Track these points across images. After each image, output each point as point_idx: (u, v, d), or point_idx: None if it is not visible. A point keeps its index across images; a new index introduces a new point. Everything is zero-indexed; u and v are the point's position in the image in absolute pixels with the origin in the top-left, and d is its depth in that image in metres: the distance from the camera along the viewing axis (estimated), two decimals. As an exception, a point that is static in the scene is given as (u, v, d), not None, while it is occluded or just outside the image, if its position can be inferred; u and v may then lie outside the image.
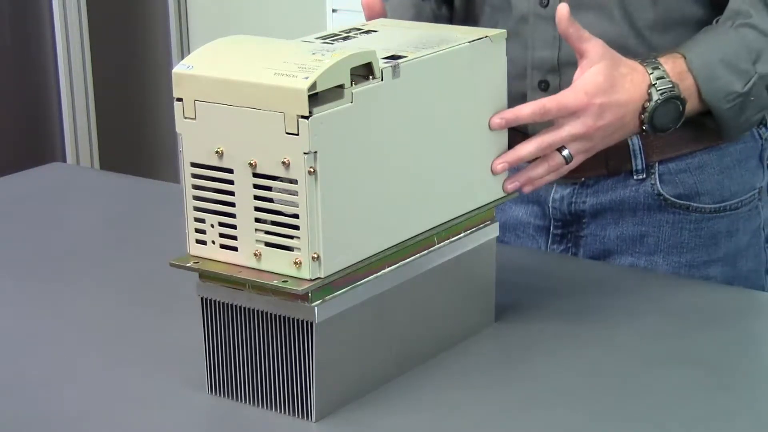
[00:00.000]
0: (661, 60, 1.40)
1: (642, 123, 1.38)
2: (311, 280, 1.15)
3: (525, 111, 1.32)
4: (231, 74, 1.15)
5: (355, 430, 1.18)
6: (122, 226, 1.75)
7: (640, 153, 1.52)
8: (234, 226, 1.17)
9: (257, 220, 1.16)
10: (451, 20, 1.62)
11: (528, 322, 1.37)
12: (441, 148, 1.27)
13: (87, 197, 1.92)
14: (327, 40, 1.27)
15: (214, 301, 1.21)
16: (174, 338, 1.35)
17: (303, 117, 1.11)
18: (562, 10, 1.33)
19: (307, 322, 1.16)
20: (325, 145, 1.13)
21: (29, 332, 1.40)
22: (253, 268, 1.17)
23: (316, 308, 1.15)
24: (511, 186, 1.34)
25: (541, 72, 1.51)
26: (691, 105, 1.41)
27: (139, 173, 2.53)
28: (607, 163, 1.51)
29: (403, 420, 1.19)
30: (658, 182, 1.52)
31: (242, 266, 1.18)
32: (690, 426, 1.17)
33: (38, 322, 1.43)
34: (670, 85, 1.38)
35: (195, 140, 1.18)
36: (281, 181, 1.14)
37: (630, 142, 1.50)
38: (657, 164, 1.52)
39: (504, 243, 1.58)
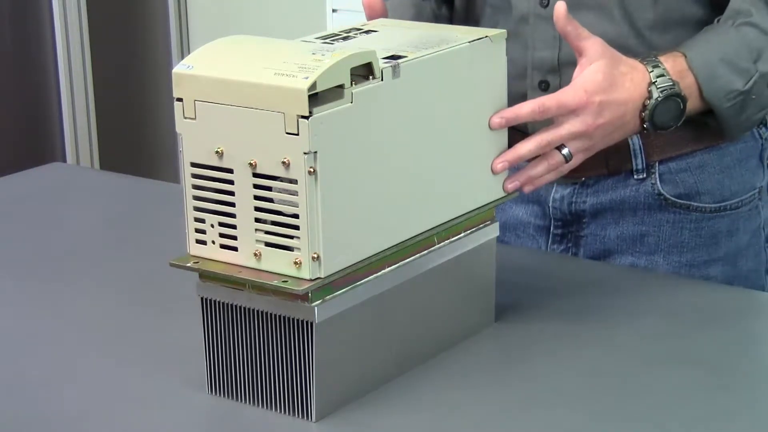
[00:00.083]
0: (662, 58, 1.40)
1: (643, 121, 1.38)
2: (311, 280, 1.15)
3: (524, 110, 1.32)
4: (231, 74, 1.15)
5: (355, 430, 1.18)
6: (122, 226, 1.75)
7: (641, 152, 1.52)
8: (234, 226, 1.17)
9: (257, 220, 1.16)
10: (451, 20, 1.62)
11: (528, 322, 1.37)
12: (441, 148, 1.27)
13: (87, 197, 1.92)
14: (327, 40, 1.27)
15: (214, 301, 1.21)
16: (174, 338, 1.35)
17: (303, 117, 1.11)
18: (560, 8, 1.33)
19: (307, 322, 1.16)
20: (325, 145, 1.13)
21: (29, 332, 1.40)
22: (253, 268, 1.17)
23: (316, 308, 1.15)
24: (511, 185, 1.34)
25: (541, 72, 1.51)
26: (692, 104, 1.41)
27: (139, 173, 2.53)
28: (607, 162, 1.51)
29: (403, 420, 1.19)
30: (658, 182, 1.52)
31: (242, 266, 1.18)
32: (690, 426, 1.17)
33: (38, 322, 1.43)
34: (671, 83, 1.38)
35: (195, 140, 1.18)
36: (281, 181, 1.14)
37: (630, 142, 1.50)
38: (657, 164, 1.52)
39: (504, 243, 1.58)
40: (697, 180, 1.53)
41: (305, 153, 1.12)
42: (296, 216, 1.14)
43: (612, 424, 1.17)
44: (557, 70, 1.50)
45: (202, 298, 1.21)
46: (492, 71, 1.31)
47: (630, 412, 1.19)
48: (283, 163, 1.13)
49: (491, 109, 1.31)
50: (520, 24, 1.51)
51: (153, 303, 1.46)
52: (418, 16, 1.57)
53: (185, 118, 1.18)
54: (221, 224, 1.18)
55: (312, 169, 1.12)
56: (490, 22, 1.55)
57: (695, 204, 1.53)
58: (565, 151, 1.34)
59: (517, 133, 1.38)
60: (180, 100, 1.18)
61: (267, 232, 1.16)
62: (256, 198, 1.16)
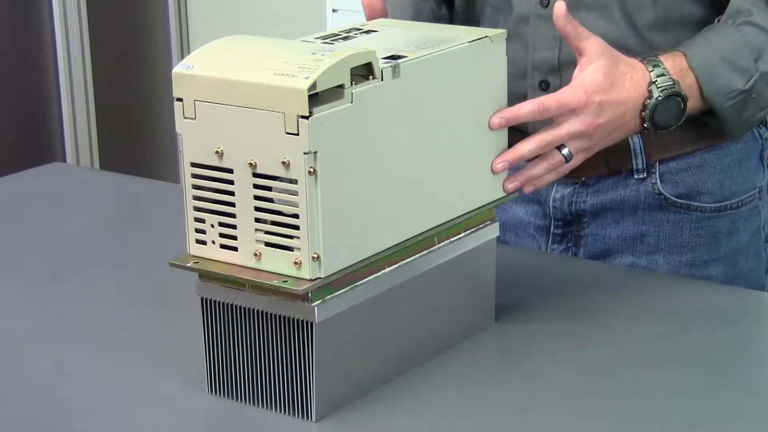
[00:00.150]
0: (662, 58, 1.40)
1: (643, 121, 1.38)
2: (311, 280, 1.15)
3: (524, 109, 1.32)
4: (231, 74, 1.15)
5: (355, 430, 1.18)
6: (122, 226, 1.75)
7: (641, 152, 1.52)
8: (234, 226, 1.17)
9: (257, 220, 1.16)
10: (451, 20, 1.62)
11: (528, 322, 1.37)
12: (441, 148, 1.27)
13: (87, 197, 1.92)
14: (327, 40, 1.27)
15: (214, 301, 1.21)
16: (174, 338, 1.35)
17: (303, 117, 1.11)
18: (559, 8, 1.33)
19: (307, 322, 1.16)
20: (325, 145, 1.13)
21: (29, 332, 1.40)
22: (253, 268, 1.17)
23: (316, 308, 1.15)
24: (511, 185, 1.34)
25: (541, 72, 1.51)
26: (693, 103, 1.41)
27: (139, 173, 2.53)
28: (607, 162, 1.51)
29: (403, 420, 1.19)
30: (658, 181, 1.52)
31: (242, 266, 1.18)
32: (690, 426, 1.17)
33: (38, 322, 1.43)
34: (671, 83, 1.38)
35: (195, 140, 1.18)
36: (281, 181, 1.14)
37: (630, 142, 1.50)
38: (657, 163, 1.52)
39: (504, 243, 1.58)
40: (697, 180, 1.53)
41: (305, 153, 1.12)
42: (296, 216, 1.14)
43: (612, 424, 1.17)
44: (557, 70, 1.50)
45: (202, 298, 1.21)
46: (492, 71, 1.31)
47: (630, 412, 1.19)
48: (283, 163, 1.13)
49: (491, 109, 1.31)
50: (520, 24, 1.51)
51: (153, 303, 1.46)
52: (418, 17, 1.57)
53: (185, 118, 1.18)
54: (221, 224, 1.18)
55: (312, 169, 1.12)
56: (491, 22, 1.55)
57: (695, 204, 1.53)
58: (565, 151, 1.34)
59: (517, 133, 1.38)
60: (180, 100, 1.18)
61: (267, 232, 1.16)
62: (256, 198, 1.16)
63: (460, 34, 1.30)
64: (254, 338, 1.19)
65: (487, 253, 1.35)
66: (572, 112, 1.33)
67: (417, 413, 1.20)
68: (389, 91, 1.19)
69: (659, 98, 1.37)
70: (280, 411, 1.20)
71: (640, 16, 1.47)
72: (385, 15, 1.45)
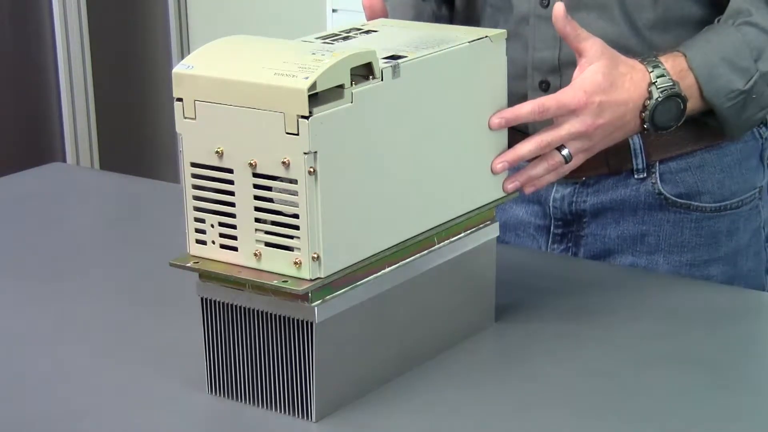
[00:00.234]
0: (662, 58, 1.40)
1: (643, 122, 1.38)
2: (311, 280, 1.15)
3: (524, 110, 1.32)
4: (231, 74, 1.15)
5: (355, 430, 1.18)
6: (122, 226, 1.75)
7: (641, 152, 1.52)
8: (234, 226, 1.17)
9: (257, 220, 1.16)
10: (451, 21, 1.62)
11: (528, 322, 1.37)
12: (441, 148, 1.26)
13: (87, 197, 1.92)
14: (327, 40, 1.27)
15: (214, 301, 1.21)
16: (174, 338, 1.35)
17: (303, 117, 1.11)
18: (558, 9, 1.33)
19: (307, 322, 1.16)
20: (325, 145, 1.13)
21: (29, 332, 1.40)
22: (253, 268, 1.17)
23: (316, 308, 1.15)
24: (510, 186, 1.34)
25: (541, 72, 1.51)
26: (693, 104, 1.41)
27: (139, 173, 2.53)
28: (607, 162, 1.51)
29: (403, 420, 1.19)
30: (658, 181, 1.52)
31: (242, 266, 1.18)
32: (690, 426, 1.17)
33: (38, 322, 1.43)
34: (671, 83, 1.38)
35: (195, 140, 1.18)
36: (281, 181, 1.14)
37: (630, 142, 1.50)
38: (658, 163, 1.52)
39: (504, 243, 1.58)
40: (697, 180, 1.53)
41: (305, 153, 1.12)
42: (296, 216, 1.14)
43: (612, 424, 1.17)
44: (558, 71, 1.50)
45: (202, 298, 1.21)
46: (492, 71, 1.31)
47: (630, 412, 1.19)
48: (283, 163, 1.13)
49: (491, 109, 1.31)
50: (520, 24, 1.51)
51: (153, 303, 1.46)
52: (419, 17, 1.57)
53: (185, 118, 1.18)
54: (221, 224, 1.18)
55: (312, 169, 1.12)
56: (491, 22, 1.55)
57: (695, 203, 1.53)
58: (565, 151, 1.34)
59: (518, 133, 1.38)
60: (180, 100, 1.18)
61: (267, 232, 1.16)
62: (256, 198, 1.16)
63: (460, 34, 1.30)
64: (254, 338, 1.19)
65: (487, 253, 1.35)
66: (572, 112, 1.33)
67: (417, 413, 1.20)
68: (389, 91, 1.19)
69: (659, 99, 1.37)
70: (280, 411, 1.20)
71: (640, 16, 1.47)
72: (385, 16, 1.45)
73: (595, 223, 1.56)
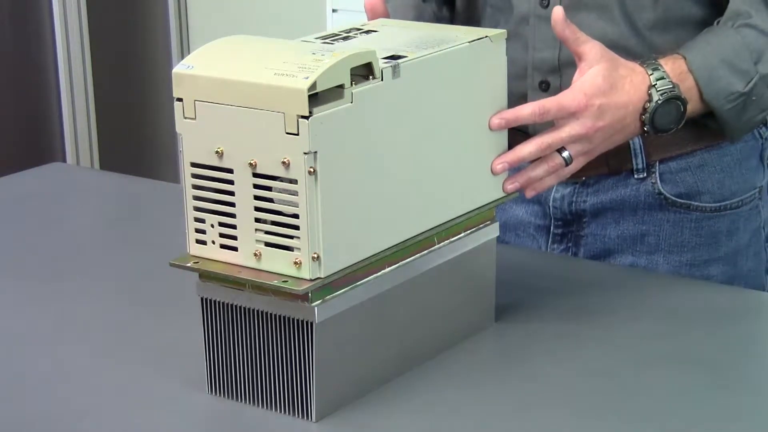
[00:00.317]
0: (661, 61, 1.40)
1: (643, 124, 1.38)
2: (311, 280, 1.15)
3: (525, 111, 1.32)
4: (231, 74, 1.15)
5: (355, 430, 1.18)
6: (122, 226, 1.75)
7: (641, 152, 1.52)
8: (234, 226, 1.17)
9: (257, 220, 1.16)
10: (452, 21, 1.62)
11: (528, 322, 1.37)
12: (441, 148, 1.27)
13: (87, 197, 1.92)
14: (327, 40, 1.27)
15: (214, 301, 1.21)
16: (174, 338, 1.35)
17: (303, 117, 1.11)
18: (557, 12, 1.33)
19: (307, 322, 1.16)
20: (325, 145, 1.13)
21: (29, 332, 1.40)
22: (253, 268, 1.17)
23: (316, 308, 1.15)
24: (510, 186, 1.34)
25: (541, 72, 1.51)
26: (693, 106, 1.41)
27: (139, 173, 2.53)
28: (607, 162, 1.51)
29: (403, 420, 1.19)
30: (658, 181, 1.52)
31: (242, 266, 1.18)
32: (690, 426, 1.17)
33: (38, 322, 1.43)
34: (671, 86, 1.38)
35: (195, 140, 1.18)
36: (281, 181, 1.14)
37: (630, 141, 1.50)
38: (657, 163, 1.52)
39: (504, 243, 1.58)
40: (697, 179, 1.53)
41: (305, 153, 1.12)
42: (296, 216, 1.14)
43: (612, 423, 1.17)
44: (558, 71, 1.50)
45: (202, 298, 1.21)
46: (492, 71, 1.31)
47: (630, 412, 1.19)
48: (283, 163, 1.13)
49: (491, 109, 1.31)
50: (520, 24, 1.51)
51: (153, 303, 1.46)
52: (419, 18, 1.57)
53: (185, 118, 1.18)
54: (221, 224, 1.18)
55: (312, 169, 1.12)
56: (491, 22, 1.55)
57: (695, 203, 1.53)
58: (565, 153, 1.34)
59: (518, 133, 1.38)
60: (180, 100, 1.18)
61: (267, 232, 1.16)
62: (256, 198, 1.16)
63: (460, 34, 1.30)
64: (254, 338, 1.19)
65: (487, 253, 1.35)
66: (572, 115, 1.33)
67: (417, 413, 1.20)
68: (389, 91, 1.19)
69: (659, 101, 1.37)
70: (280, 411, 1.20)
71: (641, 16, 1.47)
72: (387, 17, 1.45)
73: (595, 223, 1.56)
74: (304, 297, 1.15)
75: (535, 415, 1.19)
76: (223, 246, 1.18)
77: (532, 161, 1.35)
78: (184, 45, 3.99)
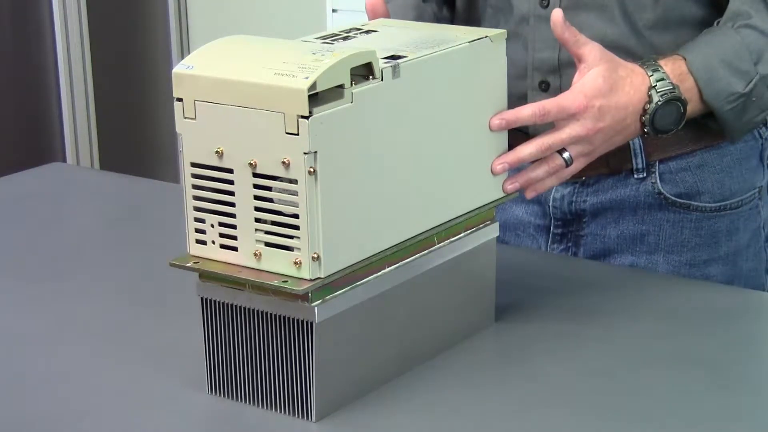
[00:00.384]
0: (661, 62, 1.40)
1: (643, 125, 1.38)
2: (311, 280, 1.15)
3: (525, 112, 1.32)
4: (231, 74, 1.15)
5: (355, 430, 1.18)
6: (122, 226, 1.75)
7: (641, 152, 1.52)
8: (234, 226, 1.17)
9: (257, 220, 1.16)
10: (452, 22, 1.62)
11: (528, 322, 1.37)
12: (441, 148, 1.27)
13: (87, 197, 1.92)
14: (327, 40, 1.27)
15: (214, 301, 1.21)
16: (174, 338, 1.35)
17: (303, 117, 1.11)
18: (557, 14, 1.33)
19: (307, 322, 1.16)
20: (325, 145, 1.13)
21: (29, 332, 1.40)
22: (253, 268, 1.17)
23: (316, 308, 1.15)
24: (510, 186, 1.34)
25: (541, 72, 1.51)
26: (693, 106, 1.41)
27: (139, 173, 2.53)
28: (607, 162, 1.51)
29: (403, 420, 1.19)
30: (658, 181, 1.52)
31: (242, 266, 1.18)
32: (690, 426, 1.17)
33: (38, 322, 1.43)
34: (671, 87, 1.38)
35: (195, 140, 1.18)
36: (281, 181, 1.14)
37: (630, 141, 1.50)
38: (657, 163, 1.52)
39: (504, 243, 1.58)
40: (697, 179, 1.53)
41: (305, 153, 1.12)
42: (296, 216, 1.14)
43: (612, 423, 1.17)
44: (557, 71, 1.50)
45: (202, 298, 1.21)
46: (492, 71, 1.31)
47: (630, 412, 1.19)
48: (283, 163, 1.13)
49: (491, 109, 1.31)
50: (520, 24, 1.51)
51: (153, 303, 1.46)
52: (420, 18, 1.57)
53: (185, 118, 1.18)
54: (221, 224, 1.18)
55: (312, 169, 1.12)
56: (491, 22, 1.55)
57: (695, 203, 1.53)
58: (566, 155, 1.34)
59: (519, 134, 1.38)
60: (180, 100, 1.18)
61: (267, 232, 1.16)
62: (256, 198, 1.16)
63: (460, 34, 1.30)
64: (254, 338, 1.19)
65: (487, 253, 1.35)
66: (572, 116, 1.33)
67: (417, 413, 1.20)
68: (389, 91, 1.19)
69: (659, 103, 1.37)
70: (280, 411, 1.20)
71: (640, 16, 1.47)
72: (387, 18, 1.45)
73: (595, 223, 1.56)
74: (304, 297, 1.15)
75: (535, 415, 1.19)
76: (223, 246, 1.18)
77: (533, 162, 1.35)
78: (184, 45, 3.99)
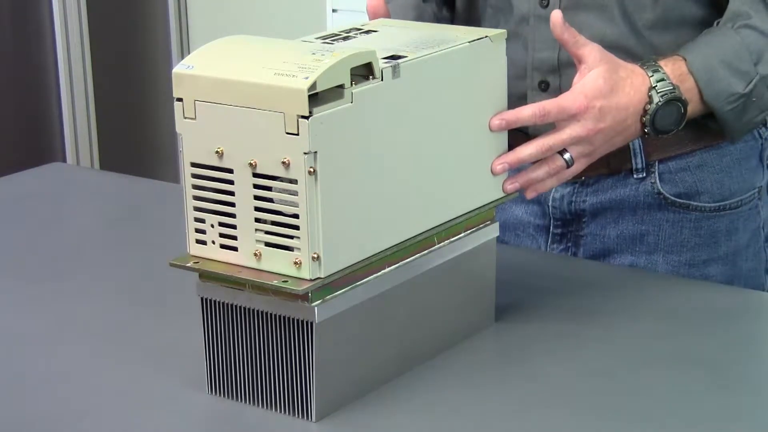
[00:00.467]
0: (661, 63, 1.40)
1: (644, 126, 1.38)
2: (311, 280, 1.15)
3: (525, 113, 1.32)
4: (231, 74, 1.15)
5: (355, 430, 1.18)
6: (122, 226, 1.75)
7: (640, 152, 1.52)
8: (234, 226, 1.17)
9: (257, 220, 1.16)
10: (452, 22, 1.62)
11: (528, 322, 1.37)
12: (441, 148, 1.27)
13: (87, 197, 1.92)
14: (327, 40, 1.27)
15: (214, 301, 1.21)
16: (174, 338, 1.35)
17: (303, 117, 1.11)
18: (556, 16, 1.33)
19: (307, 322, 1.16)
20: (325, 145, 1.13)
21: (29, 332, 1.40)
22: (253, 268, 1.17)
23: (316, 308, 1.15)
24: (510, 186, 1.34)
25: (541, 72, 1.51)
26: (693, 107, 1.41)
27: (139, 173, 2.53)
28: (607, 162, 1.51)
29: (403, 420, 1.19)
30: (658, 181, 1.52)
31: (242, 266, 1.18)
32: (690, 426, 1.17)
33: (38, 322, 1.43)
34: (671, 87, 1.38)
35: (195, 140, 1.18)
36: (281, 181, 1.14)
37: (630, 141, 1.50)
38: (657, 163, 1.52)
39: (504, 242, 1.58)
40: (696, 179, 1.53)
41: (305, 153, 1.12)
42: (296, 216, 1.14)
43: (612, 423, 1.17)
44: (557, 71, 1.50)
45: (202, 298, 1.21)
46: (492, 71, 1.31)
47: (630, 412, 1.19)
48: (283, 163, 1.13)
49: (491, 109, 1.31)
50: (520, 24, 1.52)
51: (153, 303, 1.46)
52: (419, 19, 1.57)
53: (185, 118, 1.18)
54: (221, 224, 1.18)
55: (312, 169, 1.12)
56: (491, 22, 1.55)
57: (695, 203, 1.53)
58: (566, 155, 1.34)
59: (519, 134, 1.38)
60: (180, 100, 1.18)
61: (267, 232, 1.16)
62: (256, 198, 1.16)
63: (460, 34, 1.30)
64: (254, 338, 1.19)
65: (487, 253, 1.35)
66: (573, 117, 1.33)
67: (417, 413, 1.20)
68: (389, 91, 1.19)
69: (659, 103, 1.37)
70: (280, 411, 1.20)
71: (640, 16, 1.47)
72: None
73: (595, 223, 1.56)
74: (304, 297, 1.15)
75: (535, 415, 1.19)
76: (223, 246, 1.18)
77: (533, 162, 1.35)
78: (184, 45, 3.99)
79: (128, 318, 1.43)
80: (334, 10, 3.49)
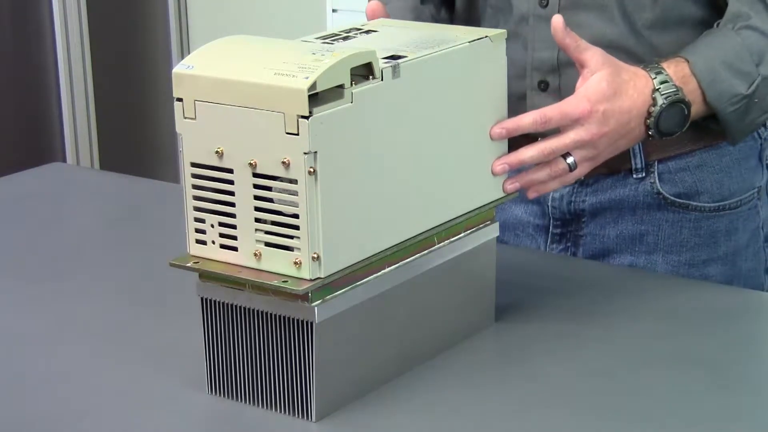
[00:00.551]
0: (664, 64, 1.39)
1: (648, 128, 1.38)
2: (311, 280, 1.15)
3: (526, 120, 1.32)
4: (231, 74, 1.15)
5: (355, 430, 1.18)
6: (122, 226, 1.75)
7: (640, 152, 1.52)
8: (234, 226, 1.17)
9: (257, 220, 1.16)
10: (451, 23, 1.62)
11: (528, 322, 1.37)
12: (441, 148, 1.27)
13: (87, 197, 1.92)
14: (327, 40, 1.27)
15: (214, 301, 1.21)
16: (174, 338, 1.35)
17: (303, 117, 1.11)
18: (557, 20, 1.33)
19: (307, 322, 1.16)
20: (325, 145, 1.13)
21: (29, 332, 1.40)
22: (253, 268, 1.17)
23: (316, 308, 1.15)
24: (510, 186, 1.34)
25: (540, 72, 1.51)
26: (696, 108, 1.41)
27: (139, 173, 2.53)
28: (607, 162, 1.50)
29: (403, 420, 1.19)
30: (657, 181, 1.52)
31: (242, 266, 1.18)
32: (690, 426, 1.17)
33: (38, 322, 1.43)
34: (675, 89, 1.38)
35: (195, 140, 1.18)
36: (281, 181, 1.14)
37: (630, 142, 1.50)
38: (656, 163, 1.52)
39: (503, 242, 1.58)
40: (696, 179, 1.53)
41: (305, 153, 1.12)
42: (296, 216, 1.14)
43: (612, 423, 1.17)
44: (557, 70, 1.50)
45: (202, 298, 1.21)
46: (492, 71, 1.31)
47: (630, 412, 1.19)
48: (283, 163, 1.13)
49: (491, 109, 1.31)
50: (520, 24, 1.51)
51: (153, 303, 1.46)
52: (418, 20, 1.57)
53: (185, 118, 1.18)
54: (221, 224, 1.18)
55: (312, 169, 1.12)
56: (491, 22, 1.55)
57: (694, 203, 1.53)
58: (570, 159, 1.34)
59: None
60: (180, 100, 1.18)
61: (267, 232, 1.16)
62: (256, 198, 1.16)
63: (460, 34, 1.30)
64: (254, 338, 1.19)
65: (487, 253, 1.35)
66: (576, 121, 1.32)
67: (417, 413, 1.20)
68: (389, 91, 1.19)
69: (663, 105, 1.37)
70: (280, 411, 1.20)
71: (640, 16, 1.47)
72: (386, 18, 1.45)
73: (594, 223, 1.56)
74: (304, 297, 1.15)
75: (535, 415, 1.19)
76: (223, 246, 1.18)
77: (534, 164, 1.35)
78: (184, 45, 3.99)
79: (128, 318, 1.43)
80: (334, 10, 3.49)
